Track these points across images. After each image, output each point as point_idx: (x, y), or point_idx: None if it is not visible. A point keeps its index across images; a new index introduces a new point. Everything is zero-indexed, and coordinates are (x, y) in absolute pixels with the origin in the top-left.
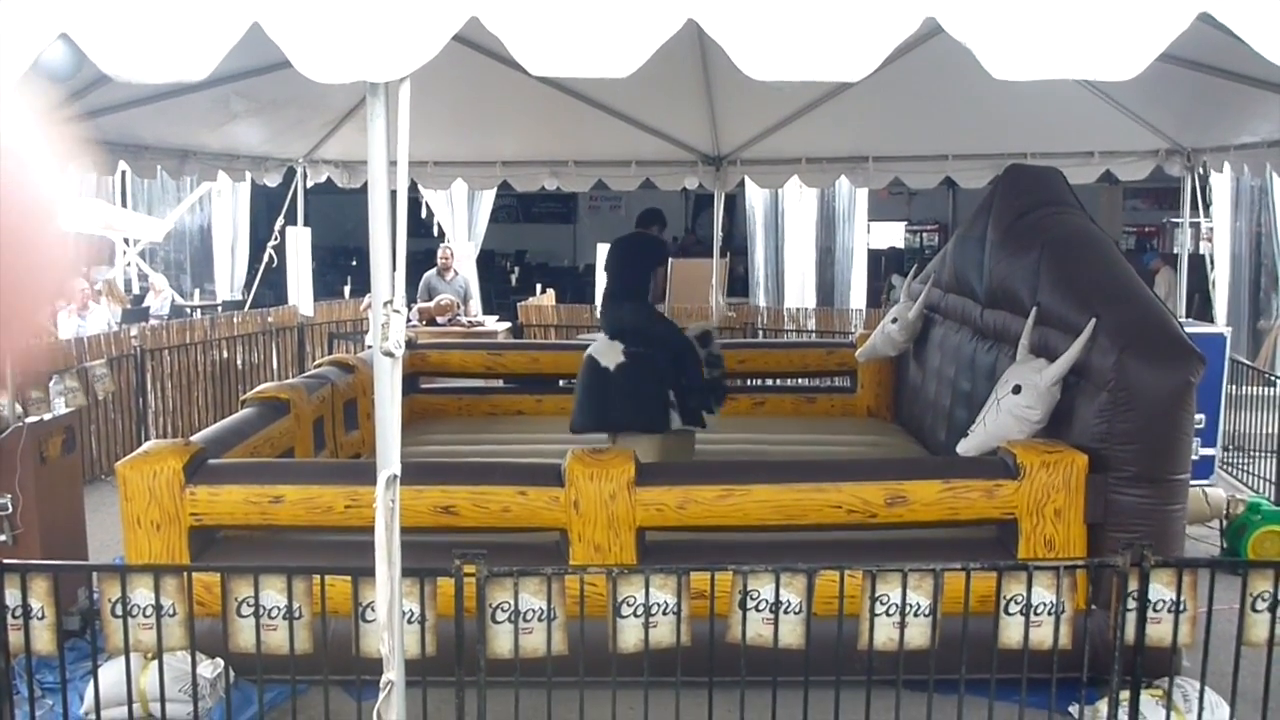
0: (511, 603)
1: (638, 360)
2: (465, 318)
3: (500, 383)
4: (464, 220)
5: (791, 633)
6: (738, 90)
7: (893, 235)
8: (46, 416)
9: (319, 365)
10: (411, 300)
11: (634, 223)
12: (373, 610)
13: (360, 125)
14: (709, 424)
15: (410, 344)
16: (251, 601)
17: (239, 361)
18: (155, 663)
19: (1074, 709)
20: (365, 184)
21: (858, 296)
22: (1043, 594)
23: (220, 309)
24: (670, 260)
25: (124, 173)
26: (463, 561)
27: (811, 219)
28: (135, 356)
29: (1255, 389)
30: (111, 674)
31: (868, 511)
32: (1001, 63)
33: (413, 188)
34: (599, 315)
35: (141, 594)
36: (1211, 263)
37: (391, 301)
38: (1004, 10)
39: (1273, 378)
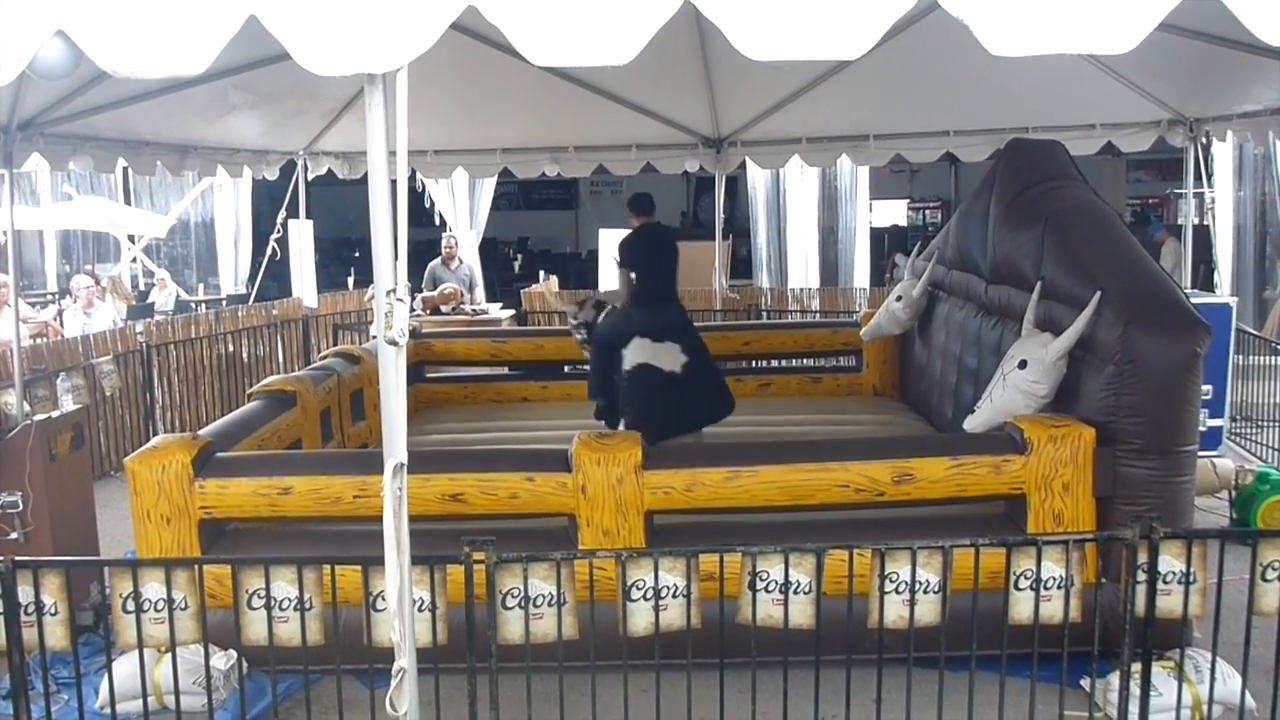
0: (521, 588)
1: (699, 354)
2: (469, 306)
3: (505, 370)
4: (465, 209)
5: (801, 613)
6: (737, 72)
7: (895, 213)
8: (54, 414)
9: (324, 357)
10: (416, 290)
11: (631, 208)
12: (383, 599)
13: (360, 116)
14: None
15: (415, 333)
16: (263, 593)
17: (244, 355)
18: (169, 656)
19: (1086, 682)
20: (366, 174)
21: (861, 275)
22: (1052, 568)
23: (225, 303)
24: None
25: (125, 169)
26: (472, 549)
27: (813, 199)
28: (142, 352)
29: (1262, 359)
30: (125, 668)
31: (875, 490)
32: (998, 38)
33: (413, 177)
34: (626, 315)
35: (153, 588)
36: (1215, 233)
37: (394, 290)
38: None
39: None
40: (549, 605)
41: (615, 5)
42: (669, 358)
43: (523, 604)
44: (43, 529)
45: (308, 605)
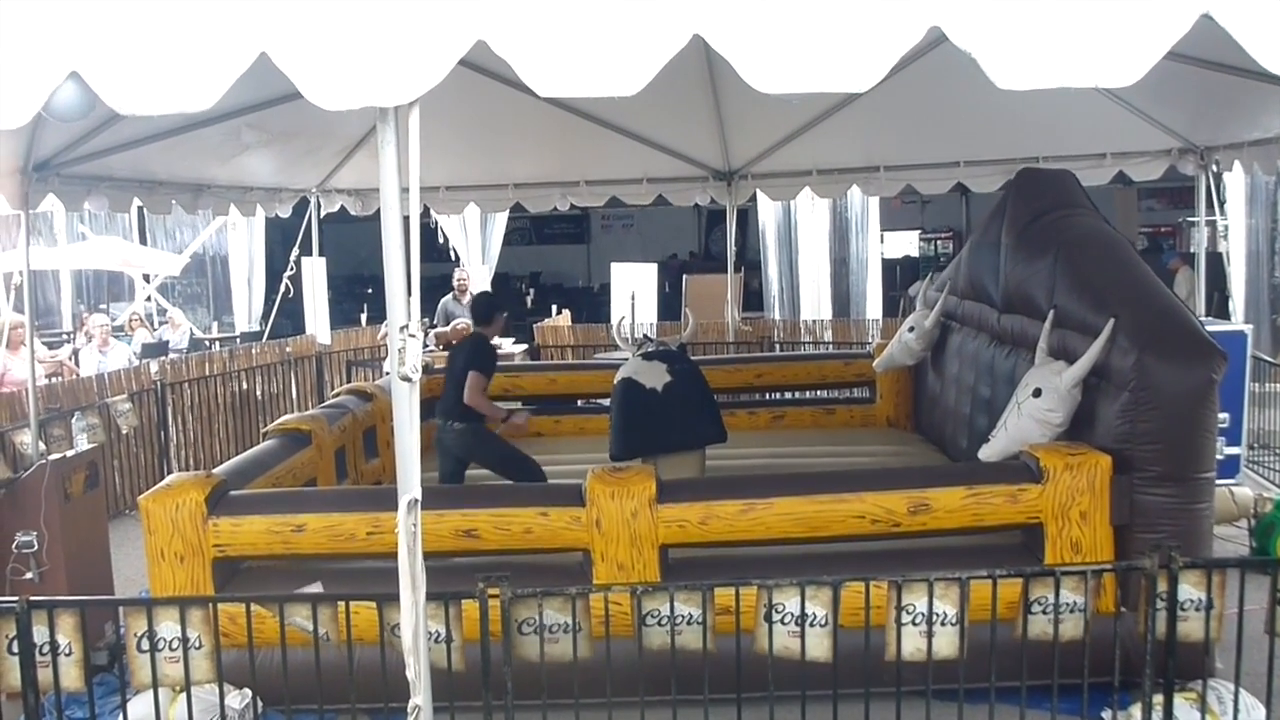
0: (537, 619)
1: (686, 376)
2: None
3: (519, 404)
4: (478, 244)
5: (818, 645)
6: (746, 105)
7: (907, 244)
8: (69, 453)
9: (337, 395)
10: (430, 325)
11: None
12: (398, 636)
13: (372, 153)
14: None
15: (428, 369)
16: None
17: (258, 392)
18: (184, 695)
19: (1107, 714)
20: (378, 211)
21: (873, 307)
22: (1070, 598)
23: (239, 341)
24: (686, 277)
25: (140, 208)
26: (487, 584)
27: (824, 231)
28: (156, 391)
29: (1279, 386)
30: (140, 708)
31: (891, 520)
32: (1006, 72)
33: (426, 213)
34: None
35: (168, 626)
36: (1228, 260)
37: (408, 326)
38: (1007, 18)
39: None
40: (564, 633)
41: (624, 37)
42: (652, 375)
43: (538, 631)
44: (58, 568)
45: (324, 639)
